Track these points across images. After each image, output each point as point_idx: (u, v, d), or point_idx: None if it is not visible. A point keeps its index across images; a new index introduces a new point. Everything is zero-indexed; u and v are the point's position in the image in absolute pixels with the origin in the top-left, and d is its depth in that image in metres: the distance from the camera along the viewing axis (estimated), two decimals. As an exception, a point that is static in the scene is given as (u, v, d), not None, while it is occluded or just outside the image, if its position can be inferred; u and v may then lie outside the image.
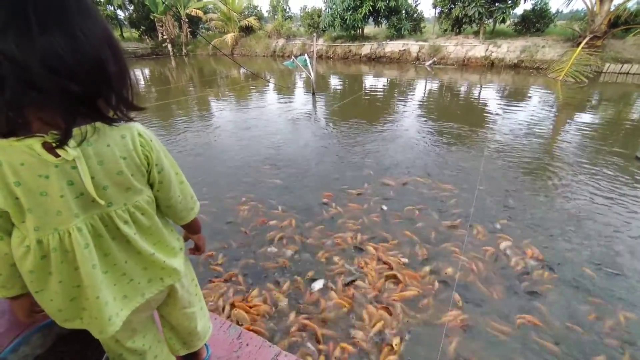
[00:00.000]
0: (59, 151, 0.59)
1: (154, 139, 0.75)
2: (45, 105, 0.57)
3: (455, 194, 3.38)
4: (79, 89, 0.57)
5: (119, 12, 22.39)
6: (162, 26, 20.37)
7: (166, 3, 17.69)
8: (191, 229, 0.98)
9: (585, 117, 6.30)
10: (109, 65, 0.60)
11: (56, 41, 0.53)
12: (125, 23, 23.41)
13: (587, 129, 5.56)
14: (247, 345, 1.38)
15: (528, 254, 2.46)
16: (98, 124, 0.63)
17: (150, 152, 0.73)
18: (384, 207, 3.13)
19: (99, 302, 0.71)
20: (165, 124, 6.27)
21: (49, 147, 0.59)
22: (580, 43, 10.97)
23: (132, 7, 21.79)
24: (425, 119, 6.38)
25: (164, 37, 20.71)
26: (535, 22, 14.10)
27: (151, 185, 0.79)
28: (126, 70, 0.66)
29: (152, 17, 20.15)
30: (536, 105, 7.33)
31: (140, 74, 14.33)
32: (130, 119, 0.70)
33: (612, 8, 10.90)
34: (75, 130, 0.60)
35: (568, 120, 6.21)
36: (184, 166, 4.30)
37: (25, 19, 0.51)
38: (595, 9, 11.17)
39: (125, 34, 23.13)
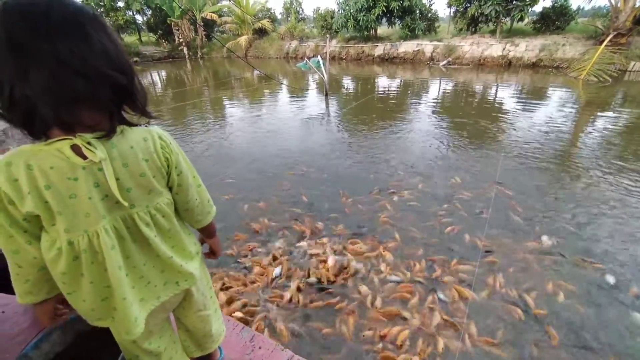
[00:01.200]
0: (87, 153, 0.61)
1: (173, 142, 0.77)
2: (91, 101, 0.61)
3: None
4: (125, 81, 0.63)
5: (138, 17, 23.05)
6: (178, 30, 20.86)
7: (182, 7, 18.08)
8: (207, 233, 0.99)
9: (609, 118, 6.04)
10: (133, 72, 0.67)
11: (106, 43, 0.61)
12: (144, 27, 24.06)
13: (610, 130, 5.33)
14: (260, 348, 1.38)
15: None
16: (123, 126, 0.67)
17: (170, 154, 0.75)
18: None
19: (126, 304, 0.73)
20: (181, 125, 6.40)
21: (76, 150, 0.61)
22: (603, 41, 10.55)
23: (149, 12, 22.38)
24: (439, 120, 6.27)
25: (180, 40, 21.18)
26: (555, 20, 13.67)
27: (170, 188, 0.80)
28: (140, 82, 0.71)
29: (168, 22, 20.66)
30: (556, 106, 7.09)
31: (157, 77, 14.70)
32: (149, 123, 0.74)
33: (638, 4, 10.44)
34: (102, 132, 0.63)
35: (590, 121, 5.97)
36: (199, 168, 4.41)
37: (80, 25, 0.59)
38: (619, 6, 10.73)
39: (143, 38, 23.75)
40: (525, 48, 13.04)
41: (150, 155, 0.71)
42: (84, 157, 0.62)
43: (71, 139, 0.60)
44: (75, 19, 0.59)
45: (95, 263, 0.70)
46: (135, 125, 0.71)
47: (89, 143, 0.61)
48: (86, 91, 0.59)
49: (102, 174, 0.64)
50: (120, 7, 20.68)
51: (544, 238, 2.62)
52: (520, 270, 2.32)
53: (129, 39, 23.00)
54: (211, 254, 1.07)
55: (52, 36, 0.56)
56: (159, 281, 0.83)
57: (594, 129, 5.49)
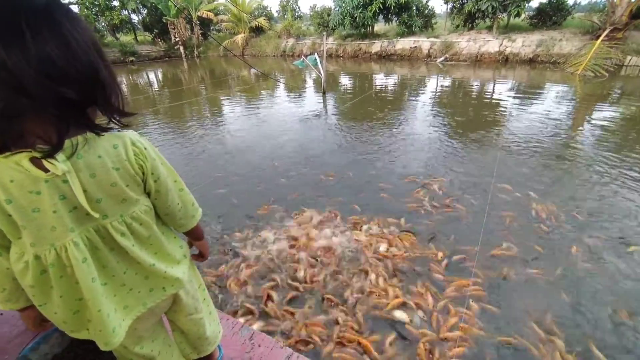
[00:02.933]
0: (48, 166, 0.57)
1: (148, 146, 0.72)
2: (39, 115, 0.55)
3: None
4: (74, 95, 0.56)
5: (133, 16, 22.88)
6: (174, 29, 20.72)
7: (178, 6, 17.96)
8: (194, 236, 0.97)
9: (606, 113, 6.06)
10: (100, 70, 0.60)
11: (49, 47, 0.53)
12: (139, 27, 23.90)
13: (607, 125, 5.35)
14: (259, 346, 1.38)
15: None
16: (88, 134, 0.62)
17: (145, 160, 0.70)
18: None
19: (101, 315, 0.71)
20: (178, 124, 6.37)
21: (37, 163, 0.57)
22: (599, 36, 10.57)
23: (145, 11, 22.23)
24: (436, 116, 6.27)
25: (176, 39, 21.06)
26: (551, 15, 13.67)
27: (148, 194, 0.77)
28: (115, 77, 0.65)
29: (164, 20, 20.53)
30: (553, 101, 7.10)
31: (154, 77, 14.63)
32: (124, 126, 0.69)
33: (634, -2, 10.46)
34: (66, 143, 0.59)
35: (587, 116, 5.99)
36: (194, 169, 4.35)
37: (16, 26, 0.51)
38: (615, 0, 10.74)
39: (139, 37, 23.59)
40: (522, 44, 13.04)
41: (121, 163, 0.66)
42: (46, 170, 0.58)
43: (30, 151, 0.56)
44: (8, 16, 0.51)
45: (65, 277, 0.67)
46: (106, 130, 0.65)
47: (54, 152, 0.57)
48: (24, 108, 0.53)
49: (68, 186, 0.61)
50: (115, 6, 20.50)
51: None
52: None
53: (124, 38, 22.82)
54: (199, 256, 1.04)
55: None
56: (143, 288, 0.81)
57: (591, 124, 5.50)
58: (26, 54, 0.51)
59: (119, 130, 0.68)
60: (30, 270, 0.65)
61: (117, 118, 0.67)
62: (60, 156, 0.58)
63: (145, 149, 0.71)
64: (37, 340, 1.17)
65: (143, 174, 0.71)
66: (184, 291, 0.93)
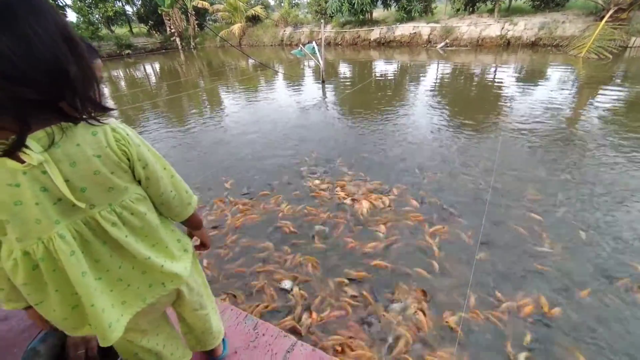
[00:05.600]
0: (23, 157, 0.55)
1: (131, 133, 0.70)
2: (6, 117, 0.53)
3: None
4: (34, 95, 0.53)
5: (127, 7, 22.49)
6: (169, 20, 20.38)
7: (172, -4, 17.63)
8: (192, 225, 0.94)
9: (610, 95, 5.97)
10: (69, 65, 0.56)
11: (5, 44, 0.49)
12: (134, 18, 23.52)
13: (611, 107, 5.28)
14: (264, 335, 1.40)
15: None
16: (65, 123, 0.60)
17: (128, 146, 0.68)
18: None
19: (95, 310, 0.68)
20: (176, 116, 6.34)
21: (14, 155, 0.55)
22: (603, 17, 10.33)
23: (139, 2, 21.84)
24: (437, 103, 6.20)
25: (172, 31, 20.74)
26: (554, -3, 13.36)
27: (139, 183, 0.75)
28: (89, 69, 0.62)
29: (159, 12, 20.16)
30: (556, 85, 7.00)
31: (150, 69, 14.47)
32: (99, 122, 0.65)
33: (640, -23, 10.17)
34: (40, 133, 0.57)
35: (591, 99, 5.91)
36: (194, 159, 4.32)
37: None
38: (620, -21, 10.46)
39: (134, 30, 23.26)
40: (524, 27, 12.78)
41: (102, 150, 0.63)
42: (22, 161, 0.56)
43: (3, 143, 0.54)
44: None
45: (57, 270, 0.65)
46: (83, 120, 0.62)
47: (19, 145, 0.55)
48: None
49: (48, 177, 0.58)
50: (109, -3, 20.17)
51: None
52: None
53: (119, 30, 22.50)
54: (201, 246, 1.02)
55: None
56: (142, 283, 0.79)
57: (594, 107, 5.43)
58: None
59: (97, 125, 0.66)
60: (20, 267, 0.63)
61: (91, 115, 0.63)
62: (36, 147, 0.56)
63: (127, 135, 0.68)
64: (45, 332, 1.18)
65: (128, 160, 0.69)
66: (186, 287, 0.91)
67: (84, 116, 0.62)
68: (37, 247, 0.62)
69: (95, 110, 0.64)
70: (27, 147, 0.55)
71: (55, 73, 0.55)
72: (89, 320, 0.71)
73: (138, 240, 0.75)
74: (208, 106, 7.31)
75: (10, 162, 0.56)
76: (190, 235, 1.00)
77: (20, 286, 0.66)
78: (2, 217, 0.60)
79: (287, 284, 2.14)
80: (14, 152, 0.55)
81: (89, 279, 0.67)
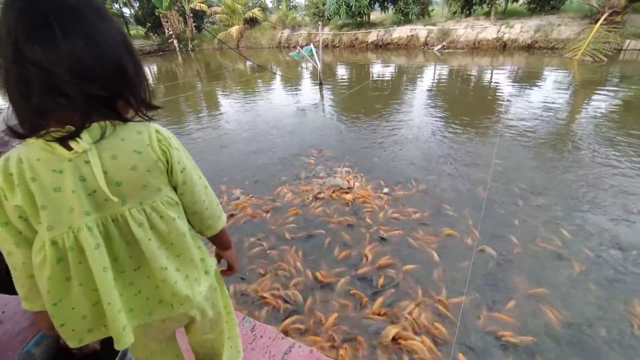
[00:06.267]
0: (71, 144, 0.59)
1: (172, 137, 0.72)
2: (69, 109, 0.58)
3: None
4: (100, 91, 0.58)
5: (125, 9, 22.50)
6: (167, 22, 20.40)
7: (170, -2, 17.64)
8: (221, 243, 0.91)
9: (605, 97, 6.03)
10: (128, 66, 0.63)
11: (79, 45, 0.55)
12: (131, 20, 23.51)
13: (606, 109, 5.33)
14: (262, 337, 1.40)
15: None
16: (115, 121, 0.64)
17: (169, 147, 0.69)
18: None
19: (111, 309, 0.68)
20: (174, 119, 6.33)
21: (64, 143, 0.59)
22: (598, 19, 10.45)
23: (137, 4, 21.85)
24: (434, 105, 6.23)
25: (170, 33, 20.74)
26: (550, 0, 13.49)
27: (175, 189, 0.74)
28: (142, 70, 0.67)
29: (157, 14, 20.19)
30: (552, 87, 7.05)
31: (148, 71, 14.45)
32: (150, 119, 0.70)
33: (633, -20, 10.30)
34: (94, 125, 0.60)
35: (586, 101, 5.96)
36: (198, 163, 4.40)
37: (48, 26, 0.53)
38: (614, -17, 10.59)
39: (131, 32, 23.23)
40: (520, 29, 12.89)
41: (143, 147, 0.66)
42: (70, 149, 0.59)
43: (59, 130, 0.58)
44: (39, 14, 0.53)
45: (84, 263, 0.66)
46: (132, 120, 0.67)
47: (76, 134, 0.59)
48: (55, 103, 0.56)
49: (89, 167, 0.61)
50: (106, -1, 20.18)
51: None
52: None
53: (117, 32, 22.40)
54: (228, 269, 0.97)
55: (17, 35, 0.53)
56: (152, 295, 0.76)
57: (589, 109, 5.48)
58: (57, 53, 0.53)
59: (144, 122, 0.70)
60: (48, 259, 0.63)
61: (144, 111, 0.69)
62: (86, 137, 0.60)
63: (170, 138, 0.71)
64: (41, 335, 1.17)
65: (167, 162, 0.70)
66: (199, 314, 0.85)
67: (138, 114, 0.67)
68: (67, 237, 0.63)
69: (146, 108, 0.69)
70: (79, 137, 0.59)
71: (117, 71, 0.61)
72: (106, 320, 0.70)
73: (161, 247, 0.73)
74: (205, 108, 7.30)
75: (59, 149, 0.59)
76: (218, 258, 0.96)
77: (44, 281, 0.65)
78: (40, 203, 0.61)
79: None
80: (68, 139, 0.59)
81: (109, 275, 0.67)
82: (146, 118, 0.69)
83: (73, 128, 0.58)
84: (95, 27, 0.58)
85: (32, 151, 0.59)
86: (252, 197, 3.26)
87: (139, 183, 0.67)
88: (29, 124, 0.58)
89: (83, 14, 0.57)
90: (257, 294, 2.09)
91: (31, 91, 0.54)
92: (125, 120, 0.66)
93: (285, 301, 2.02)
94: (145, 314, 0.76)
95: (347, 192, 3.21)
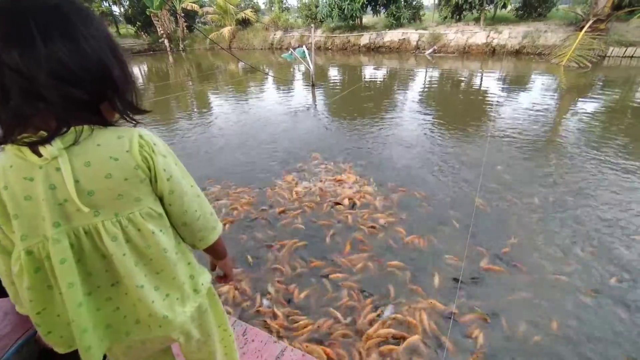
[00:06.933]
0: (41, 150, 0.55)
1: (159, 142, 0.67)
2: (49, 114, 0.55)
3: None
4: (83, 95, 0.56)
5: (114, 8, 22.12)
6: (158, 21, 20.12)
7: (161, -3, 17.41)
8: (216, 253, 0.85)
9: (589, 102, 6.20)
10: (113, 69, 0.60)
11: (60, 49, 0.53)
12: (121, 19, 23.13)
13: (590, 113, 5.48)
14: (253, 341, 1.37)
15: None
16: (95, 126, 0.60)
17: (152, 154, 0.63)
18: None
19: (76, 327, 0.64)
20: (164, 119, 6.23)
21: (35, 149, 0.56)
22: (583, 27, 10.74)
23: (127, 3, 21.51)
24: (425, 108, 6.29)
25: (161, 32, 20.47)
26: (537, 7, 13.82)
27: (161, 199, 0.68)
28: (129, 73, 0.64)
29: (147, 13, 19.89)
30: (539, 92, 7.22)
31: (137, 71, 14.23)
32: (136, 123, 0.67)
33: (616, -10, 10.63)
34: (70, 130, 0.57)
35: (571, 106, 6.12)
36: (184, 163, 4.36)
37: (27, 29, 0.51)
38: (598, -8, 10.91)
39: (121, 30, 22.85)
40: (509, 35, 13.16)
41: (121, 153, 0.60)
42: (41, 155, 0.56)
43: (31, 136, 0.55)
44: (17, 17, 0.51)
45: None
46: (115, 124, 0.64)
47: (48, 140, 0.56)
48: (35, 108, 0.54)
49: (60, 175, 0.56)
50: (95, -3, 19.81)
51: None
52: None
53: (106, 31, 22.02)
54: (223, 278, 0.92)
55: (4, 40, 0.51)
56: (130, 313, 0.71)
57: (574, 113, 5.62)
58: (37, 58, 0.51)
59: (130, 127, 0.66)
60: (25, 270, 0.60)
61: (130, 115, 0.66)
62: (57, 142, 0.56)
63: (154, 144, 0.65)
64: (20, 343, 1.12)
65: (149, 169, 0.64)
66: (183, 336, 0.78)
67: (125, 117, 0.65)
68: (42, 246, 0.60)
69: (133, 112, 0.66)
70: (50, 142, 0.56)
71: (101, 74, 0.58)
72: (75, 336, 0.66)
73: (139, 263, 0.67)
74: (196, 108, 7.22)
75: (30, 155, 0.56)
76: (212, 266, 0.91)
77: (25, 291, 0.62)
78: (12, 212, 0.58)
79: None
80: (39, 144, 0.55)
81: (75, 291, 0.62)
82: (132, 122, 0.66)
83: (45, 133, 0.55)
84: (78, 29, 0.55)
85: (6, 158, 0.57)
86: (241, 199, 3.22)
87: (114, 192, 0.62)
88: (6, 129, 0.56)
89: (64, 15, 0.54)
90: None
91: (9, 96, 0.52)
92: (108, 125, 0.62)
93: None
94: (122, 333, 0.72)
95: (338, 190, 3.23)
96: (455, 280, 2.14)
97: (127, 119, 0.66)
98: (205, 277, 0.83)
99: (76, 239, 0.62)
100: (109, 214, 0.62)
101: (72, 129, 0.57)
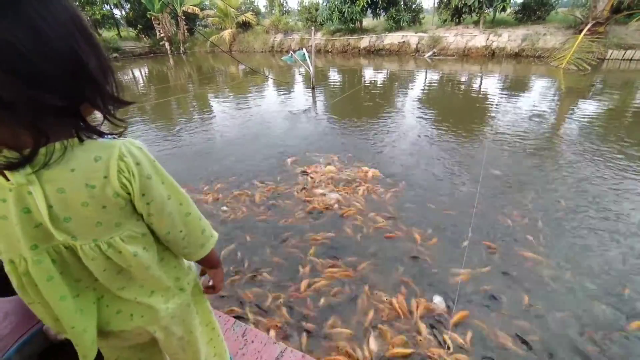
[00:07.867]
0: (8, 175, 0.50)
1: (143, 161, 0.59)
2: (15, 125, 0.46)
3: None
4: (59, 101, 0.47)
5: (116, 11, 22.20)
6: (159, 24, 20.20)
7: (162, 0, 17.49)
8: (207, 264, 0.82)
9: (588, 105, 6.21)
10: (88, 57, 0.50)
11: (8, 31, 0.42)
12: (122, 22, 23.22)
13: (590, 116, 5.49)
14: (253, 342, 1.37)
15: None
16: (70, 141, 0.52)
17: (131, 179, 0.57)
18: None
19: (75, 332, 0.64)
20: (165, 122, 6.24)
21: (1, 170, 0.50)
22: (582, 30, 10.79)
23: (128, 6, 21.60)
24: (425, 110, 6.31)
25: (161, 35, 20.55)
26: (536, 10, 13.89)
27: (142, 216, 0.65)
28: (105, 61, 0.55)
29: (148, 16, 19.98)
30: (538, 94, 7.24)
31: (138, 73, 14.28)
32: (119, 135, 0.59)
33: (615, -7, 10.69)
34: (40, 151, 0.49)
35: (571, 108, 6.13)
36: (183, 165, 4.30)
37: None
38: (597, -5, 10.97)
39: (122, 33, 22.94)
40: (508, 38, 13.22)
41: (98, 180, 0.54)
42: (8, 179, 0.51)
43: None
44: None
45: (39, 288, 0.62)
46: (98, 133, 0.56)
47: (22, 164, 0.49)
48: None
49: (33, 199, 0.52)
50: (96, 0, 19.87)
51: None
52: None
53: (107, 34, 22.17)
54: (210, 288, 0.88)
55: None
56: (112, 303, 0.70)
57: (574, 115, 5.63)
58: None
59: (114, 137, 0.58)
60: (11, 273, 0.60)
61: (113, 114, 0.57)
62: (25, 167, 0.50)
63: (137, 164, 0.58)
64: (21, 342, 1.13)
65: (129, 194, 0.59)
66: (161, 331, 0.76)
67: (107, 117, 0.57)
68: (19, 263, 0.58)
69: (115, 106, 0.57)
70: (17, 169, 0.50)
71: (74, 67, 0.48)
72: (72, 340, 0.67)
73: (121, 272, 0.67)
74: (196, 110, 7.23)
75: None
76: (203, 273, 0.88)
77: (16, 288, 0.62)
78: None
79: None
80: (18, 167, 0.49)
81: (68, 302, 0.62)
82: (119, 125, 0.58)
83: (13, 157, 0.48)
84: (32, 7, 0.44)
85: None
86: (239, 202, 3.23)
87: (92, 220, 0.58)
88: None
89: None
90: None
91: None
92: (82, 138, 0.53)
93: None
94: (103, 323, 0.71)
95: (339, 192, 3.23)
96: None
97: (111, 120, 0.57)
98: (192, 275, 0.82)
99: (58, 255, 0.60)
100: (87, 239, 0.59)
101: (42, 149, 0.50)
